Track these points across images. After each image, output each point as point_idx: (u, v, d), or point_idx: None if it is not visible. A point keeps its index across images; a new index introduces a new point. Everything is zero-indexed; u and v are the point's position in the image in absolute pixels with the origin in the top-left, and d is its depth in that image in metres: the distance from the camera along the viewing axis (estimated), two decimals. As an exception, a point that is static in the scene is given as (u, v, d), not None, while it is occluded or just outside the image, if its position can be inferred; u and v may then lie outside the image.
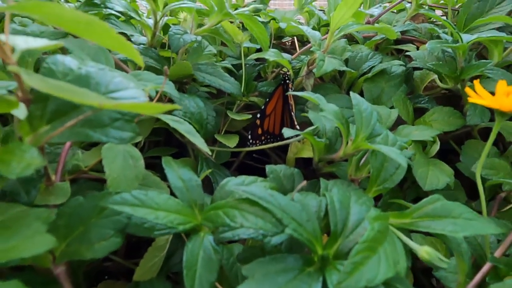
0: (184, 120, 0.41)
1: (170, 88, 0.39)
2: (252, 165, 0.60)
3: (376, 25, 0.57)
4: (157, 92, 0.37)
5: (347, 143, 0.37)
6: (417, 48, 0.67)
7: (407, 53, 0.57)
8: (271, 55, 0.52)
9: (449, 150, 0.56)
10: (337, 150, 0.45)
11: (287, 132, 0.37)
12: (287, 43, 0.76)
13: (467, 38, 0.47)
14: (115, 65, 0.42)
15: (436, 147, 0.49)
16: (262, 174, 0.43)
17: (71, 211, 0.26)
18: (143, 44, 0.49)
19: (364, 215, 0.28)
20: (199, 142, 0.33)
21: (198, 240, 0.28)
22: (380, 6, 0.63)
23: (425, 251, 0.28)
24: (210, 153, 0.33)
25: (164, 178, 0.35)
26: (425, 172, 0.45)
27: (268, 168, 0.40)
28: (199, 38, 0.47)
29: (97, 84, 0.24)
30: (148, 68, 0.48)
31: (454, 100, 0.60)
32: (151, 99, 0.36)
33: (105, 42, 0.23)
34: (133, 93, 0.25)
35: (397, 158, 0.31)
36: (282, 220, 0.25)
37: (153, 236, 0.28)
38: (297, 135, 0.40)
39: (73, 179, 0.32)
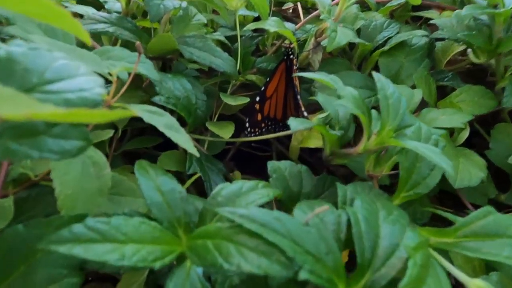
0: (168, 107, 0.34)
1: (146, 68, 0.31)
2: (251, 154, 0.53)
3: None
4: (129, 74, 0.29)
5: (369, 137, 0.29)
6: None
7: (431, 22, 0.49)
8: (271, 24, 0.43)
9: (472, 133, 0.49)
10: (350, 141, 0.38)
11: (293, 123, 0.29)
12: (288, 10, 0.66)
13: (509, 2, 0.39)
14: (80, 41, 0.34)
15: (466, 133, 0.42)
16: (261, 164, 0.36)
17: (7, 244, 0.19)
18: (118, 12, 0.40)
19: (398, 238, 0.22)
20: (182, 139, 0.26)
21: (183, 272, 0.21)
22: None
23: (477, 286, 0.21)
24: (197, 154, 0.26)
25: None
26: (455, 166, 0.38)
27: (271, 166, 0.33)
28: (184, 4, 0.39)
29: (25, 71, 0.17)
30: (125, 42, 0.40)
31: (480, 76, 0.53)
32: (122, 83, 0.29)
33: (30, 11, 0.15)
34: (82, 82, 0.18)
35: (440, 161, 0.24)
36: (294, 258, 0.18)
37: (122, 272, 0.21)
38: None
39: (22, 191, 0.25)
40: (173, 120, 0.27)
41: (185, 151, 0.40)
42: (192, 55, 0.39)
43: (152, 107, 0.27)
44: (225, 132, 0.38)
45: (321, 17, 0.40)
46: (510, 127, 0.43)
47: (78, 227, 0.18)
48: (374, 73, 0.36)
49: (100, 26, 0.37)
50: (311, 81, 0.48)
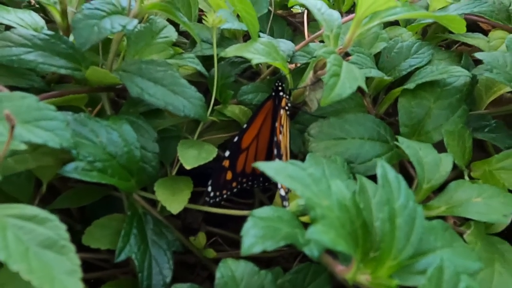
0: (87, 179, 0.24)
1: (50, 134, 0.22)
2: (228, 202, 0.44)
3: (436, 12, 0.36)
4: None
5: (358, 269, 0.19)
6: (486, 35, 0.45)
7: (475, 54, 0.37)
8: (257, 50, 0.32)
9: None
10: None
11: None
12: (297, 15, 0.55)
13: None
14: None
15: (508, 220, 0.31)
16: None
17: None
18: (45, 33, 0.30)
19: None
20: (58, 269, 0.16)
21: None
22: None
23: None
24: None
25: None
26: (488, 278, 0.27)
27: (221, 268, 0.24)
28: (134, 22, 0.28)
29: None
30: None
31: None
32: None
33: None
34: None
35: None
36: None
37: None
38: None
39: None
40: (58, 233, 0.18)
41: (132, 212, 0.30)
42: (142, 93, 0.29)
43: (30, 210, 0.18)
44: (176, 201, 0.28)
45: (318, 53, 0.29)
46: None
47: None
48: (401, 143, 0.26)
49: (16, 52, 0.27)
50: (307, 123, 0.37)
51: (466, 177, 0.35)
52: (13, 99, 0.22)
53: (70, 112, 0.27)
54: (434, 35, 0.44)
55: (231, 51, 0.33)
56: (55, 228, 0.18)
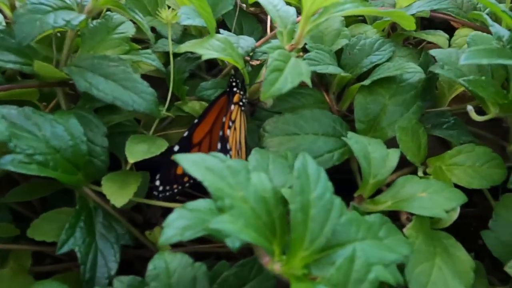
0: (23, 171, 0.25)
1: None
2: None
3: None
4: None
5: (272, 262, 0.19)
6: (452, 32, 0.45)
7: (430, 51, 0.37)
8: (211, 48, 0.33)
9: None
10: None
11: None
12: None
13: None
14: None
15: (454, 216, 0.31)
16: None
17: None
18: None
19: None
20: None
21: None
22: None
23: None
24: None
25: None
26: (427, 271, 0.27)
27: (153, 263, 0.24)
28: (79, 18, 0.29)
29: None
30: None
31: (497, 126, 0.40)
32: None
33: None
34: None
35: None
36: None
37: None
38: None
39: None
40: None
41: (81, 206, 0.31)
42: (91, 87, 0.30)
43: None
44: (122, 195, 0.29)
45: (262, 48, 0.29)
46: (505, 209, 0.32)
47: None
48: (350, 139, 0.26)
49: (-39, 46, 0.28)
50: (265, 119, 0.37)
51: (420, 173, 0.35)
52: None
53: (14, 106, 0.28)
54: (400, 33, 0.44)
55: (185, 46, 0.33)
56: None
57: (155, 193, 0.31)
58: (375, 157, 0.31)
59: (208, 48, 0.33)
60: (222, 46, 0.34)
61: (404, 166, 0.36)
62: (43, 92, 0.33)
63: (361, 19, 0.48)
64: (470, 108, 0.31)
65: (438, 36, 0.40)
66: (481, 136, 0.38)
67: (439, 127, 0.39)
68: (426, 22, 0.53)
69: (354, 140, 0.31)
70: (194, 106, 0.38)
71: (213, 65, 0.46)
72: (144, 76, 0.36)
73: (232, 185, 0.19)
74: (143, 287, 0.24)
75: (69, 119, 0.29)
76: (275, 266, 0.19)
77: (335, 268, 0.18)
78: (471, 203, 0.35)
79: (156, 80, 0.38)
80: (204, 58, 0.32)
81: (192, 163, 0.19)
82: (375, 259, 0.20)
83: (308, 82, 0.29)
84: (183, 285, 0.24)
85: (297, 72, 0.29)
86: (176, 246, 0.36)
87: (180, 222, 0.20)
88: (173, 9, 0.36)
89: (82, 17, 0.29)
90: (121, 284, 0.26)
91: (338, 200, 0.20)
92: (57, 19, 0.27)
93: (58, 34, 0.34)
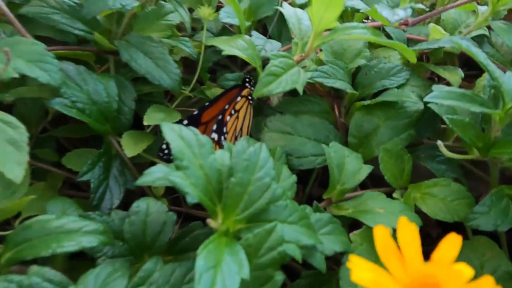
0: (67, 112, 0.33)
1: (41, 73, 0.30)
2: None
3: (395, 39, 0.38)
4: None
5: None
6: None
7: (434, 86, 0.39)
8: (234, 46, 0.39)
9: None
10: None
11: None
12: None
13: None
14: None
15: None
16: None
17: None
18: (73, 1, 0.39)
19: None
20: (9, 160, 0.25)
21: None
22: (413, 5, 0.42)
23: None
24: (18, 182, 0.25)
25: None
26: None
27: (137, 203, 0.31)
28: (133, 4, 0.36)
29: None
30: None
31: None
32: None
33: None
34: None
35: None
36: None
37: None
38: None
39: None
40: (21, 137, 0.27)
41: (105, 150, 0.39)
42: (131, 60, 0.37)
43: (4, 116, 0.27)
44: (133, 148, 0.36)
45: (267, 54, 0.34)
46: (473, 251, 0.33)
47: None
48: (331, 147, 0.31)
49: (46, 11, 0.37)
50: (269, 115, 0.42)
51: (396, 195, 0.38)
52: (26, 44, 0.32)
53: (73, 63, 0.36)
54: (421, 64, 0.46)
55: (213, 40, 0.40)
56: (21, 133, 0.27)
57: (160, 153, 0.38)
58: (348, 168, 0.35)
59: (232, 46, 0.39)
60: (245, 46, 0.40)
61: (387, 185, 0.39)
62: (99, 56, 0.42)
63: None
64: (440, 143, 0.33)
65: (452, 74, 0.42)
66: (471, 172, 0.40)
67: (432, 159, 0.40)
68: (466, 58, 0.53)
69: (333, 149, 0.35)
70: (215, 92, 0.44)
71: (247, 62, 0.52)
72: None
73: (195, 153, 0.25)
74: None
75: (109, 81, 0.37)
76: (214, 224, 0.25)
77: (253, 234, 0.23)
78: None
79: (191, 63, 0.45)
80: (224, 53, 0.37)
81: (170, 129, 0.25)
82: (292, 239, 0.25)
83: (300, 91, 0.34)
84: (154, 224, 0.30)
85: (292, 80, 0.33)
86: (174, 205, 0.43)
87: (156, 174, 0.26)
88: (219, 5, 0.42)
89: (136, 4, 0.37)
90: (116, 216, 0.33)
91: (275, 187, 0.25)
92: (115, 2, 0.35)
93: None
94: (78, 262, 0.35)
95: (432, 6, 0.52)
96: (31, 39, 0.34)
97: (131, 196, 0.40)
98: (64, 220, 0.26)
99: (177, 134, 0.25)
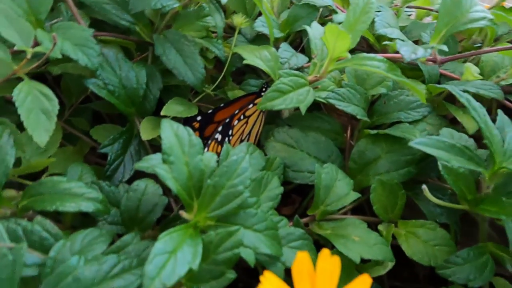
0: (98, 92, 0.38)
1: (82, 55, 0.35)
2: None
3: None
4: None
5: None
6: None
7: (443, 129, 0.38)
8: (257, 56, 0.41)
9: None
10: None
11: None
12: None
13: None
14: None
15: (381, 271, 0.35)
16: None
17: None
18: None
19: None
20: (38, 126, 0.30)
21: None
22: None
23: None
24: (42, 145, 0.30)
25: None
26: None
27: (136, 183, 0.35)
28: (174, 5, 0.40)
29: None
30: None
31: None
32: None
33: None
34: None
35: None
36: None
37: None
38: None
39: None
40: (53, 108, 0.32)
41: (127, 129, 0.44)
42: (163, 54, 0.42)
43: (44, 88, 0.32)
44: (149, 132, 0.41)
45: (279, 71, 0.36)
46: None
47: None
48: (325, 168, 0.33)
49: (99, 0, 0.42)
50: (279, 125, 0.45)
51: (381, 227, 0.38)
52: (77, 29, 0.37)
53: (114, 50, 0.41)
54: (444, 103, 0.45)
55: (238, 48, 0.43)
56: (54, 105, 0.32)
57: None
58: (336, 191, 0.36)
59: (256, 56, 0.42)
60: (269, 58, 0.42)
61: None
62: (140, 45, 0.47)
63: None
64: (424, 187, 0.33)
65: (470, 120, 0.41)
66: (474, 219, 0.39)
67: (428, 200, 0.40)
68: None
69: (326, 171, 0.37)
70: (236, 94, 0.48)
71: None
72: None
73: (184, 151, 0.28)
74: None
75: (141, 70, 0.41)
76: (187, 216, 0.28)
77: (216, 233, 0.26)
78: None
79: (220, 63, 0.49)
80: (244, 62, 0.40)
81: (168, 126, 0.29)
82: (251, 244, 0.27)
83: (303, 111, 0.35)
84: (148, 204, 0.34)
85: (298, 99, 0.35)
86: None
87: (153, 161, 0.30)
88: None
89: (176, 5, 0.40)
90: (122, 188, 0.38)
91: (248, 196, 0.28)
92: (157, 3, 0.39)
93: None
94: (85, 220, 0.40)
95: (468, 49, 0.50)
96: (83, 25, 0.40)
97: (142, 174, 0.45)
98: (72, 184, 0.31)
99: (173, 132, 0.29)
